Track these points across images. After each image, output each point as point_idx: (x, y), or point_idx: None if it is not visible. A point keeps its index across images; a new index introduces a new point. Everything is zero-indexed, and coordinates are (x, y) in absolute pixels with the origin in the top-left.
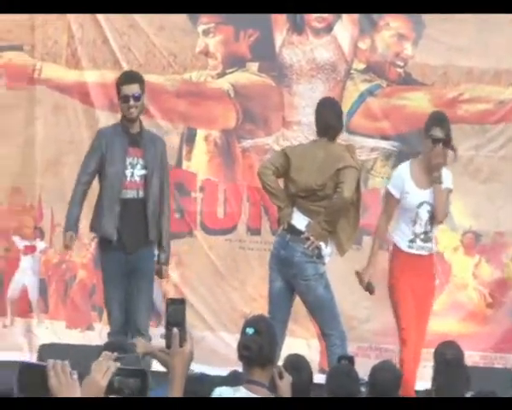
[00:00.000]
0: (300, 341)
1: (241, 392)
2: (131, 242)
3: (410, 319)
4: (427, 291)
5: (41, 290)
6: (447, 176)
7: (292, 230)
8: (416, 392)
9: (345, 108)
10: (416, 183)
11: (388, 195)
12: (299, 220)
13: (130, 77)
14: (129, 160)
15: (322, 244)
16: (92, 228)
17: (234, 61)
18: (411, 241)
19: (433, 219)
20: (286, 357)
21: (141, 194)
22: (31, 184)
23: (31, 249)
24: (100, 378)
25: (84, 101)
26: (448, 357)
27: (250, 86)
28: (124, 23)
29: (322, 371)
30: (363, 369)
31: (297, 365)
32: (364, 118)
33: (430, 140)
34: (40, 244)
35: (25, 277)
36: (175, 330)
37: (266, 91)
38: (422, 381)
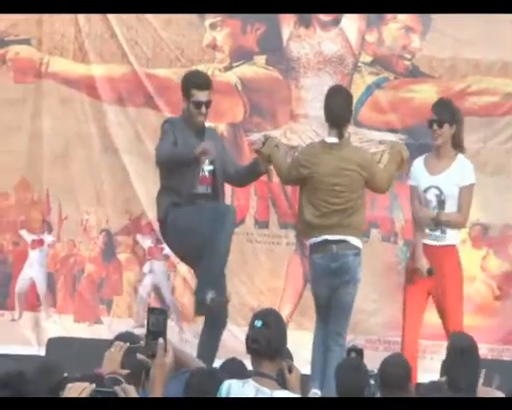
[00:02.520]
0: (308, 333)
1: (250, 384)
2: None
3: (408, 320)
4: (448, 284)
5: (49, 284)
6: (464, 168)
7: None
8: (421, 384)
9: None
10: (427, 168)
11: (410, 188)
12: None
13: (204, 82)
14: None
15: None
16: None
17: (241, 55)
18: None
19: (442, 205)
20: None
21: (209, 189)
22: (38, 178)
23: (39, 243)
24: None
25: (92, 94)
26: (463, 346)
27: (257, 79)
28: (131, 17)
29: None
30: (371, 362)
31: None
32: (372, 110)
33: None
34: (48, 238)
35: (33, 271)
36: (161, 340)
37: (273, 84)
38: (429, 373)
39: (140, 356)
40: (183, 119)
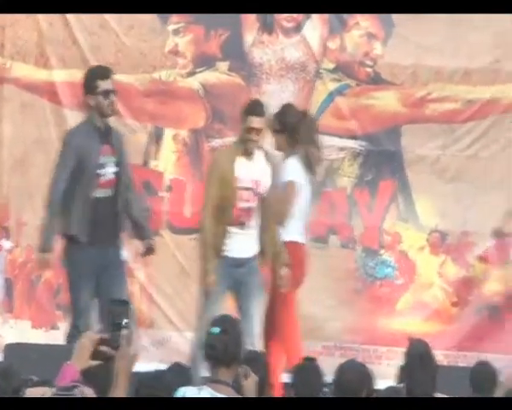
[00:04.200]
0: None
1: (206, 391)
2: (103, 239)
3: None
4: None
5: (6, 290)
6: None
7: None
8: (379, 390)
9: (314, 108)
10: None
11: None
12: None
13: (106, 71)
14: (102, 159)
15: None
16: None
17: (204, 61)
18: None
19: None
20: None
21: (112, 192)
22: None
23: None
24: None
25: (53, 100)
26: (421, 352)
27: (220, 85)
28: (93, 23)
29: (286, 370)
30: (327, 368)
31: (254, 359)
32: (333, 117)
33: None
34: (6, 243)
35: None
36: (124, 331)
37: (236, 91)
38: (385, 379)
39: (104, 348)
40: (88, 121)
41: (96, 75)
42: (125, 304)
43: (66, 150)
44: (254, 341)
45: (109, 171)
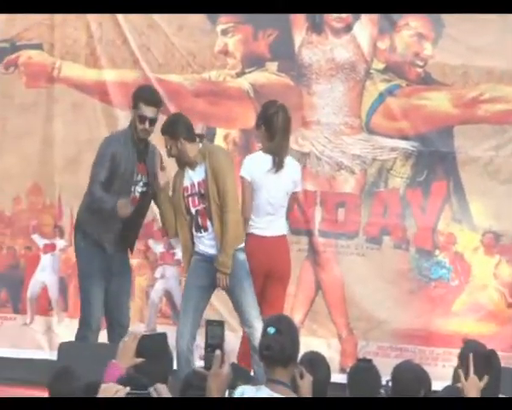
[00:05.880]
0: (321, 340)
1: (264, 391)
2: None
3: None
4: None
5: (61, 289)
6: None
7: None
8: (437, 392)
9: (364, 108)
10: None
11: None
12: None
13: (151, 98)
14: (137, 177)
15: None
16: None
17: (253, 61)
18: None
19: None
20: (303, 354)
21: (133, 207)
22: (50, 183)
23: (50, 248)
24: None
25: (103, 99)
26: (485, 353)
27: (269, 86)
28: (143, 23)
29: (342, 370)
30: (382, 369)
31: (314, 362)
32: (384, 118)
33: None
34: (60, 243)
35: (45, 275)
36: (218, 352)
37: (285, 91)
38: (441, 381)
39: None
40: (129, 130)
41: (141, 98)
42: (220, 325)
43: (102, 160)
44: (254, 332)
45: (138, 190)
